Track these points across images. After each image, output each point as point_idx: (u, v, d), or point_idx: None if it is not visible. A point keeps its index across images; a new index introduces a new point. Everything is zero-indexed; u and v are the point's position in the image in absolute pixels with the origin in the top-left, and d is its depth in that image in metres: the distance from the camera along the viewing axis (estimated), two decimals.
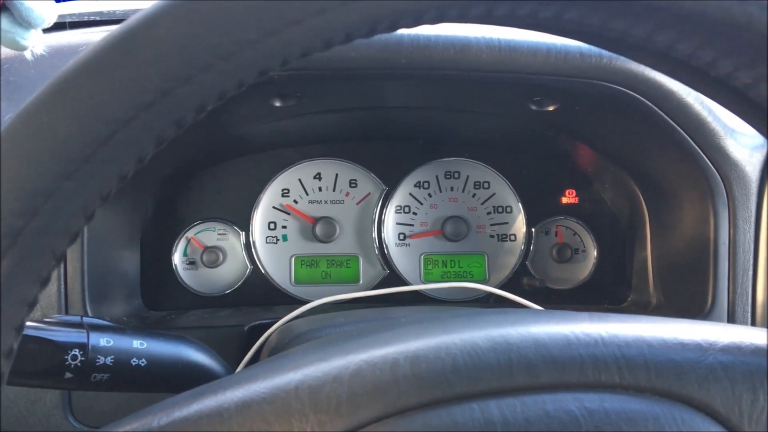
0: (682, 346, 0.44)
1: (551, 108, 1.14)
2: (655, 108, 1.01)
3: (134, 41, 0.38)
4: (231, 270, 1.39)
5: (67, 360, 0.62)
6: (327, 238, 1.39)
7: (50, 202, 0.37)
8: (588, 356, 0.43)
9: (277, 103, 1.09)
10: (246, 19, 0.38)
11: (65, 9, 1.20)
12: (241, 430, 0.41)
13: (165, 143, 0.41)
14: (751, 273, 1.11)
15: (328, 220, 1.40)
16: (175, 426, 0.42)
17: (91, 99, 0.37)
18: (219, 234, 1.38)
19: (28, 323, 0.63)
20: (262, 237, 1.40)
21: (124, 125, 0.38)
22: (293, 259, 1.41)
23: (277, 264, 1.40)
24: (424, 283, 1.41)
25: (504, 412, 0.41)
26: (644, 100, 1.01)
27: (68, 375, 0.62)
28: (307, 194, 1.41)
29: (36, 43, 0.91)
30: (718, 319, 1.11)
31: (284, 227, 1.41)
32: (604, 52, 0.98)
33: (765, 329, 0.49)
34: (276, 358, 0.52)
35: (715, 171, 1.08)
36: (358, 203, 1.43)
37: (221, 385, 0.45)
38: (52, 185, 0.37)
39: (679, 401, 0.42)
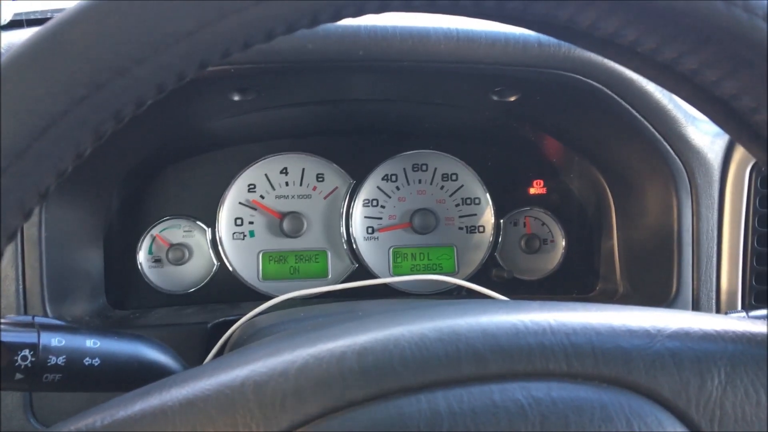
0: (630, 333, 0.44)
1: (512, 98, 1.14)
2: (616, 97, 1.02)
3: (66, 35, 0.37)
4: (197, 267, 1.38)
5: (17, 361, 0.61)
6: (295, 233, 1.39)
7: None
8: (536, 345, 0.43)
9: (236, 97, 1.08)
10: (181, 10, 0.37)
11: (22, 7, 1.18)
12: (185, 428, 0.40)
13: (105, 137, 0.40)
14: (714, 260, 1.12)
15: (295, 215, 1.39)
16: (118, 425, 0.41)
17: (23, 93, 0.36)
18: (184, 231, 1.37)
19: None
20: (229, 233, 1.39)
21: (57, 119, 0.37)
22: (261, 254, 1.40)
23: (244, 260, 1.39)
24: (393, 277, 1.41)
25: (450, 403, 0.40)
26: (604, 88, 1.01)
27: (19, 376, 0.61)
28: (274, 189, 1.41)
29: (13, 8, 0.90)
30: (683, 306, 1.12)
31: (251, 223, 1.40)
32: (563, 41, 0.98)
33: (714, 315, 0.49)
34: (225, 356, 0.52)
35: (677, 159, 1.09)
36: (325, 197, 1.43)
37: (167, 383, 0.44)
38: None
39: (627, 388, 0.42)
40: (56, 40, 0.37)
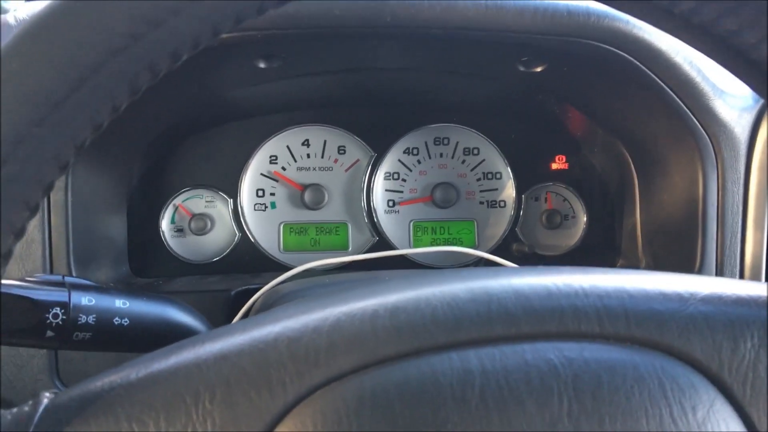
0: (663, 296, 0.44)
1: (539, 68, 1.13)
2: (644, 68, 1.00)
3: None
4: (219, 237, 1.38)
5: (48, 318, 0.62)
6: (316, 205, 1.39)
7: (21, 149, 0.36)
8: (568, 306, 0.43)
9: (262, 65, 1.08)
10: None
11: None
12: (219, 381, 0.40)
13: (140, 91, 0.40)
14: (739, 234, 1.11)
15: (316, 187, 1.39)
16: (153, 377, 0.42)
17: (62, 44, 0.37)
18: (207, 201, 1.38)
19: (10, 282, 0.63)
20: (251, 204, 1.39)
21: (95, 70, 0.37)
22: (282, 226, 1.40)
23: (265, 231, 1.40)
24: (413, 249, 1.41)
25: (483, 362, 0.41)
26: (632, 59, 1.00)
27: (50, 333, 0.62)
28: (296, 161, 1.41)
29: (18, 6, 0.90)
30: None
31: (272, 194, 1.40)
32: (592, 10, 0.96)
33: (747, 281, 0.48)
34: (257, 315, 0.52)
35: (704, 132, 1.07)
36: (346, 170, 1.42)
37: (200, 339, 0.44)
38: (22, 131, 0.36)
39: (659, 350, 0.42)
40: None
